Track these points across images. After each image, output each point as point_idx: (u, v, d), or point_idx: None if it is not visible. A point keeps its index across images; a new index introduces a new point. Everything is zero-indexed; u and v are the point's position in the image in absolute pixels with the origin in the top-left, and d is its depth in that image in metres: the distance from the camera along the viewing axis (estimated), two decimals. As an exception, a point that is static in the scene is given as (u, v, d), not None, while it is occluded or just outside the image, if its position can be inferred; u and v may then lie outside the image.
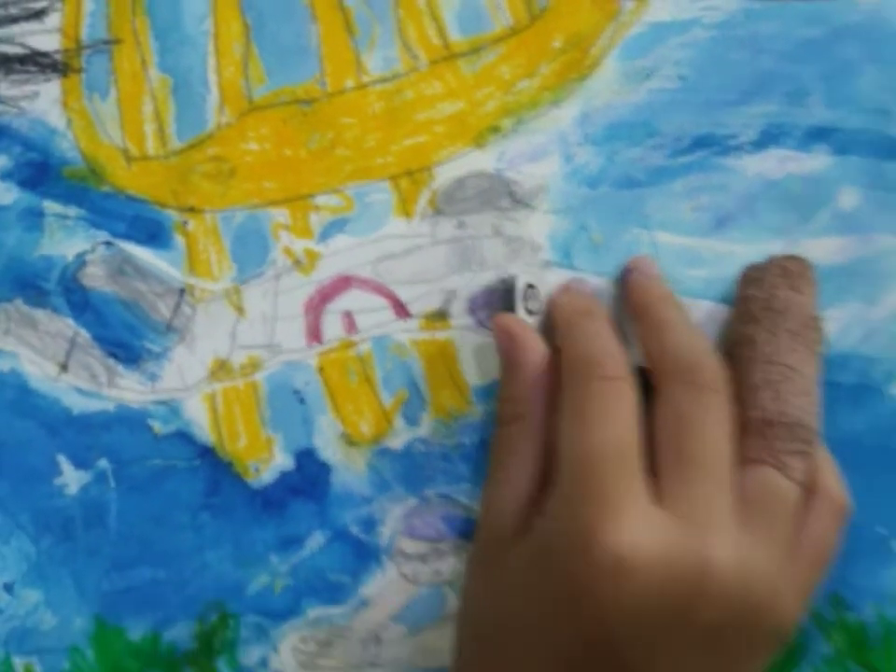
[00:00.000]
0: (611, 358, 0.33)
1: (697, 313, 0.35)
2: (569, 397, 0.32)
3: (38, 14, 0.35)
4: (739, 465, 0.32)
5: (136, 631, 0.36)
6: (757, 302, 0.35)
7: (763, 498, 0.32)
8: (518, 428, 0.34)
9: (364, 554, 0.36)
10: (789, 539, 0.32)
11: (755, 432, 0.33)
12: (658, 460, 0.32)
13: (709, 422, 0.32)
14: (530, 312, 0.34)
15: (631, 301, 0.35)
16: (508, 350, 0.34)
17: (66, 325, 0.36)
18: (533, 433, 0.34)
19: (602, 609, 0.30)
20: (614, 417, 0.32)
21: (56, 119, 0.35)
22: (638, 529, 0.30)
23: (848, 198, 0.36)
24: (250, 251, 0.35)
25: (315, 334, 0.35)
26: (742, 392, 0.33)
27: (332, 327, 0.35)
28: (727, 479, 0.32)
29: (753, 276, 0.35)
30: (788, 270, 0.35)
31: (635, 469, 0.31)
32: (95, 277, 0.35)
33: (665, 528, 0.30)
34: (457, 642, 0.34)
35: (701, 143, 0.36)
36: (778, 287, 0.35)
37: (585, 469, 0.31)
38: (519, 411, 0.34)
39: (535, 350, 0.34)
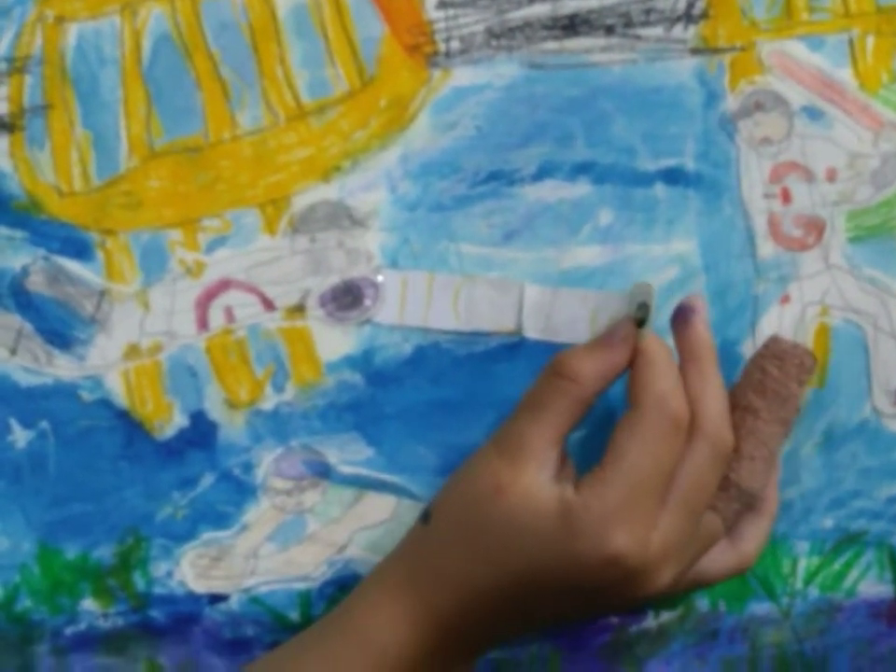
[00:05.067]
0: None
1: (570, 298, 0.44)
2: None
3: (-9, 86, 0.44)
4: None
5: (71, 552, 0.44)
6: (771, 382, 0.40)
7: (708, 534, 0.40)
8: (567, 387, 0.39)
9: (244, 490, 0.44)
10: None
11: (723, 488, 0.40)
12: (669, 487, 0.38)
13: (711, 478, 0.39)
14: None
15: (687, 342, 0.40)
16: (623, 343, 0.39)
17: (15, 319, 0.44)
18: (581, 399, 0.39)
19: (583, 573, 0.38)
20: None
21: (5, 165, 0.44)
22: (634, 543, 0.38)
23: (605, 216, 0.45)
24: (153, 262, 0.44)
25: (203, 324, 0.44)
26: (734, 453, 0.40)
27: (216, 318, 0.44)
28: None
29: (775, 352, 0.41)
30: (804, 365, 0.41)
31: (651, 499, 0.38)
32: (36, 283, 0.44)
33: (644, 547, 0.38)
34: (423, 520, 0.41)
35: (493, 176, 0.45)
36: (792, 378, 0.41)
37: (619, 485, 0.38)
38: (581, 375, 0.39)
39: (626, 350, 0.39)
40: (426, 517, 0.41)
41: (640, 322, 0.40)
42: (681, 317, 0.41)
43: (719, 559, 0.41)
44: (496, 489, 0.39)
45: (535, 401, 0.40)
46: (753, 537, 0.42)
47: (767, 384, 0.41)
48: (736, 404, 0.41)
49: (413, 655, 0.39)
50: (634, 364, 0.40)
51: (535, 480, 0.39)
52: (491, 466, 0.40)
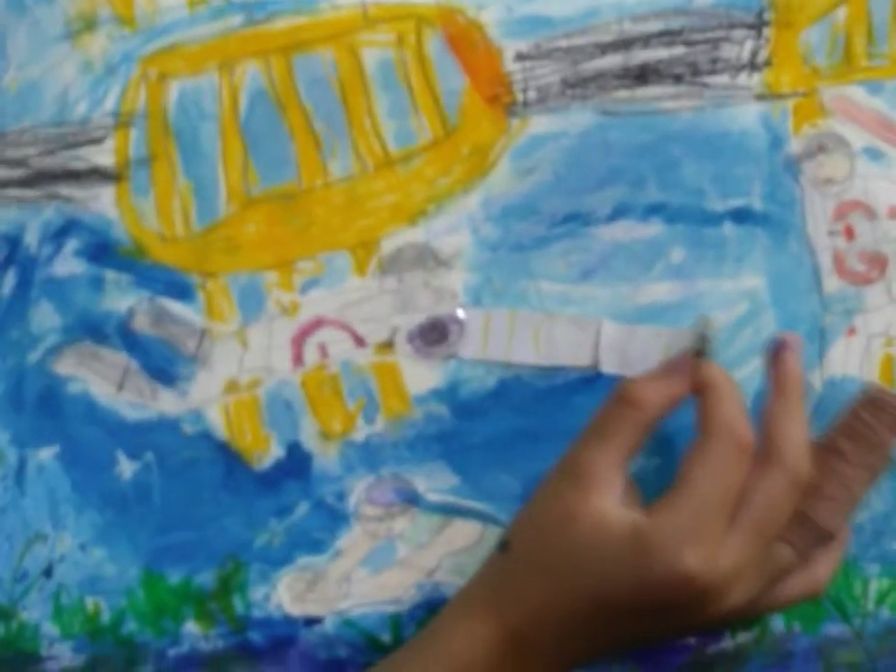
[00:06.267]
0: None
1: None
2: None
3: (99, 140, 0.47)
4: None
5: (174, 577, 0.46)
6: (862, 427, 0.42)
7: (778, 564, 0.41)
8: (630, 413, 0.41)
9: (337, 517, 0.46)
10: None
11: (800, 522, 0.41)
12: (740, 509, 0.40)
13: (784, 505, 0.40)
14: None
15: (776, 374, 0.42)
16: (682, 371, 0.42)
17: (122, 358, 0.47)
18: (644, 424, 0.41)
19: (656, 593, 0.39)
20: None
21: (112, 213, 0.47)
22: (705, 562, 0.39)
23: (676, 254, 0.47)
24: (251, 302, 0.47)
25: (298, 360, 0.47)
26: (813, 487, 0.41)
27: (311, 354, 0.47)
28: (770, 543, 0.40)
29: (871, 399, 0.42)
30: None
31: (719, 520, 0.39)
32: (142, 323, 0.47)
33: (715, 566, 0.39)
34: (506, 547, 0.42)
35: (570, 218, 0.47)
36: (885, 425, 0.41)
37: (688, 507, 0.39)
38: (643, 401, 0.41)
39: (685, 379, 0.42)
40: (503, 546, 0.43)
41: (701, 352, 0.42)
42: (774, 351, 0.43)
43: (790, 584, 0.42)
44: (567, 518, 0.41)
45: (600, 427, 0.42)
46: (825, 563, 0.43)
47: (858, 428, 0.42)
48: (826, 445, 0.42)
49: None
50: (700, 394, 0.42)
51: (604, 505, 0.40)
52: (560, 494, 0.42)
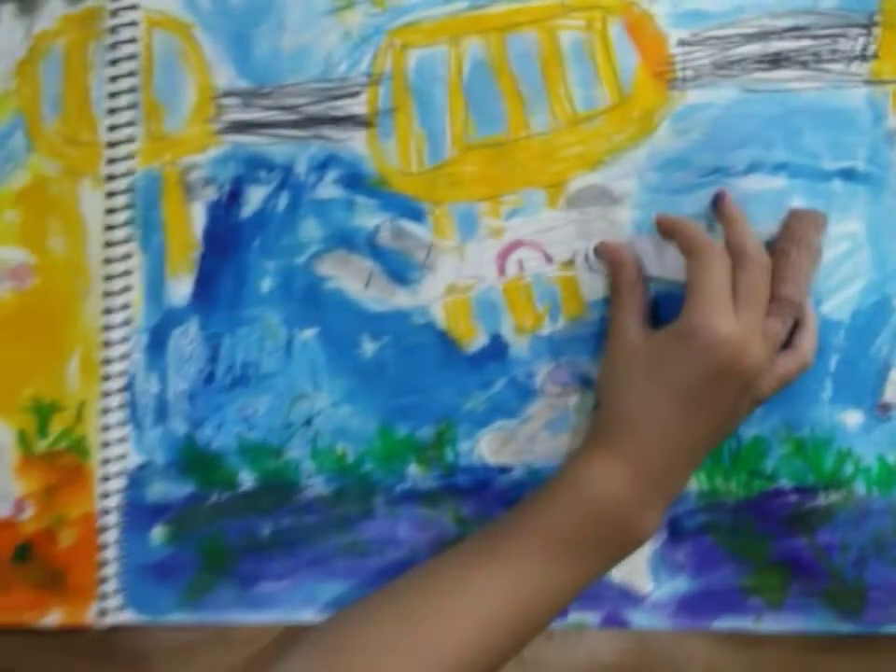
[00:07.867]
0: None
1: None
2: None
3: (355, 94, 0.60)
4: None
5: (401, 431, 0.59)
6: (797, 232, 0.55)
7: (774, 333, 0.54)
8: (634, 293, 0.56)
9: (526, 392, 0.59)
10: (775, 358, 0.54)
11: (776, 300, 0.54)
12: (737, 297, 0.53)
13: (762, 284, 0.53)
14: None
15: (722, 212, 0.57)
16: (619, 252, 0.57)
17: (368, 263, 0.59)
18: (632, 282, 0.56)
19: (708, 357, 0.52)
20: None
21: (365, 152, 0.59)
22: (730, 325, 0.52)
23: (797, 202, 0.59)
24: (467, 225, 0.59)
25: (501, 271, 0.60)
26: (777, 275, 0.54)
27: (511, 267, 0.59)
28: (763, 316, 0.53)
29: (795, 216, 0.56)
30: (817, 220, 0.56)
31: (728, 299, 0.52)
32: (384, 238, 0.59)
33: (737, 327, 0.52)
34: (599, 405, 0.56)
35: (714, 171, 0.59)
36: (809, 229, 0.56)
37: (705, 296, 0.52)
38: (632, 281, 0.57)
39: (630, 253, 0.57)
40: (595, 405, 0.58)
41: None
42: (716, 201, 0.57)
43: (785, 359, 0.55)
44: (615, 359, 0.56)
45: (614, 301, 0.57)
46: (806, 341, 0.56)
47: (794, 234, 0.56)
48: (775, 250, 0.56)
49: (618, 497, 0.53)
50: (674, 238, 0.57)
51: (631, 331, 0.56)
52: (611, 354, 0.57)
